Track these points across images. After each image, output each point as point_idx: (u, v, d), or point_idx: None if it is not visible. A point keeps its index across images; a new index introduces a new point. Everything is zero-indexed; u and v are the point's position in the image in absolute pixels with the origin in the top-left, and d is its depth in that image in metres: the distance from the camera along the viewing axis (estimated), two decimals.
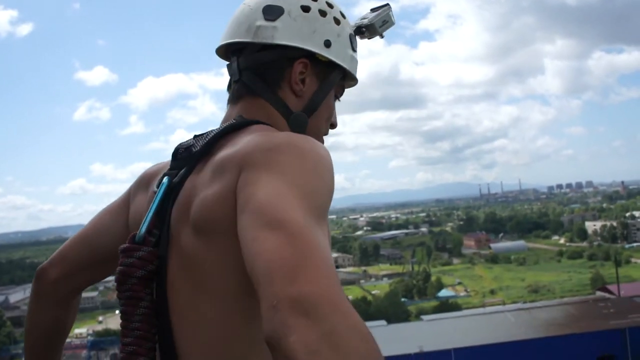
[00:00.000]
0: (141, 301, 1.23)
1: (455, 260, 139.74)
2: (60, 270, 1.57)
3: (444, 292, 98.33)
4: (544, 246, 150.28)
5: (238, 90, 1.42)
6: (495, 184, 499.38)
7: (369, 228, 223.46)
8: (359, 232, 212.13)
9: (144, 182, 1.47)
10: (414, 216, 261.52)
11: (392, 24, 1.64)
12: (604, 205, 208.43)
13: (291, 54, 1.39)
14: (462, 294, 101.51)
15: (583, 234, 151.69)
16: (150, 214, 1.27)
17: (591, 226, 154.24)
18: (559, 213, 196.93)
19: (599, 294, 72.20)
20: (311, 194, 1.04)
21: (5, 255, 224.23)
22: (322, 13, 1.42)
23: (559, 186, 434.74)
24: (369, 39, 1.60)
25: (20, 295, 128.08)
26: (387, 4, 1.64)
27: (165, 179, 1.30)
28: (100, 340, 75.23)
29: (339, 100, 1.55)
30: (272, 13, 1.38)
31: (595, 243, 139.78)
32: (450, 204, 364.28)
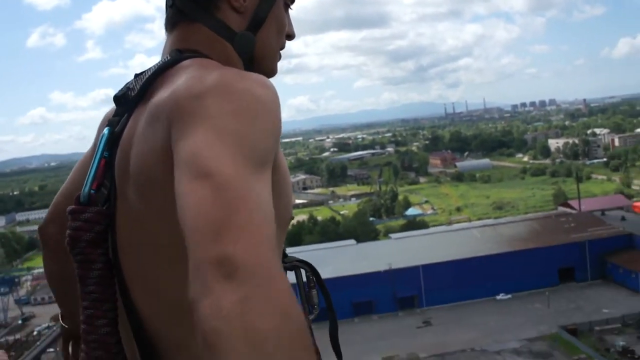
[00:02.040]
0: (93, 263, 1.16)
1: (422, 179, 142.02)
2: (56, 226, 1.50)
3: (411, 211, 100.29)
4: (508, 164, 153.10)
5: (172, 17, 1.27)
6: (460, 103, 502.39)
7: (335, 149, 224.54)
8: (326, 154, 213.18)
9: (100, 129, 1.32)
10: (380, 136, 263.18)
11: None
12: (567, 123, 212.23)
13: None
14: (429, 212, 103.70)
15: (546, 152, 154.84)
16: (93, 170, 1.18)
17: (554, 144, 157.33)
18: (523, 131, 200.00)
19: (560, 209, 74.49)
20: (245, 139, 0.93)
21: None
22: None
23: (523, 105, 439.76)
24: None
25: None
26: None
27: (105, 130, 1.21)
28: None
29: (291, 8, 1.35)
30: None
31: (558, 160, 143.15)
32: (415, 124, 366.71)
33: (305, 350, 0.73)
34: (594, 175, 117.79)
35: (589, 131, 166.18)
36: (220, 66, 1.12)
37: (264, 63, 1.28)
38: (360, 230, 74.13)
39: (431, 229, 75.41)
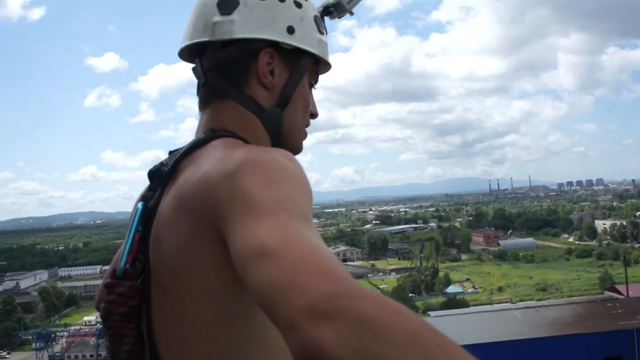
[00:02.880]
0: (125, 337, 1.19)
1: (464, 256, 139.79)
2: (97, 301, 1.48)
3: (451, 288, 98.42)
4: (552, 244, 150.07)
5: (206, 95, 1.35)
6: (505, 179, 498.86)
7: (377, 222, 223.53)
8: (368, 226, 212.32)
9: (136, 204, 1.34)
10: (423, 211, 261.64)
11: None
12: (614, 204, 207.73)
13: (254, 47, 1.30)
14: (470, 290, 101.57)
15: (592, 233, 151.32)
16: (128, 245, 1.23)
17: (601, 225, 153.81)
18: (569, 211, 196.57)
19: (607, 293, 72.13)
20: (283, 203, 1.00)
21: (16, 240, 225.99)
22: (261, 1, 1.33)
23: (569, 183, 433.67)
24: (339, 18, 1.54)
25: (30, 281, 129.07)
26: None
27: (140, 205, 1.26)
28: None
29: (315, 87, 1.45)
30: (227, 7, 1.31)
31: (605, 242, 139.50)
32: (459, 199, 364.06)
33: (436, 333, 0.78)
34: None
35: (637, 213, 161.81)
36: (244, 144, 1.20)
37: (290, 139, 1.35)
38: None
39: (471, 308, 73.74)
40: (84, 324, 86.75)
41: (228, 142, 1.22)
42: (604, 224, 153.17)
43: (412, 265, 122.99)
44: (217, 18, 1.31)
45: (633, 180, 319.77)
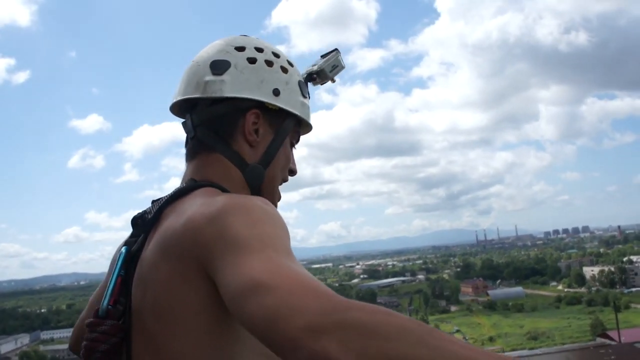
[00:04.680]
0: None
1: (453, 308, 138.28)
2: (73, 342, 1.64)
3: None
4: (542, 292, 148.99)
5: (193, 147, 1.44)
6: (491, 230, 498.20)
7: (365, 276, 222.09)
8: (356, 280, 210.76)
9: (118, 250, 1.43)
10: (410, 263, 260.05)
11: (342, 68, 1.67)
12: (601, 250, 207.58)
13: (242, 105, 1.41)
14: None
15: (581, 280, 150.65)
16: (111, 287, 1.28)
17: (589, 271, 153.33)
18: (556, 259, 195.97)
19: (599, 340, 71.07)
20: (267, 240, 1.08)
21: None
22: (269, 63, 1.45)
23: (556, 232, 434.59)
24: (321, 84, 1.63)
25: (11, 345, 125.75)
26: (336, 49, 1.68)
27: (123, 249, 1.33)
28: None
29: (295, 147, 1.56)
30: (219, 67, 1.41)
31: (594, 288, 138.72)
32: (447, 251, 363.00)
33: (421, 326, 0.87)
34: (632, 305, 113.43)
35: (625, 259, 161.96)
36: (223, 193, 1.30)
37: (268, 193, 1.44)
38: None
39: None
40: None
41: (209, 191, 1.31)
42: (592, 271, 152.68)
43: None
44: (209, 77, 1.41)
45: (619, 227, 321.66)
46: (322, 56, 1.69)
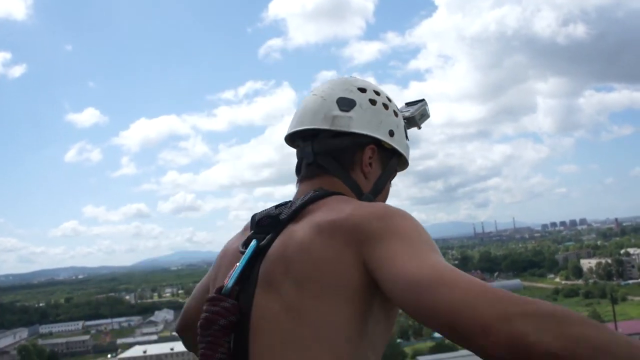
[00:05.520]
0: (220, 347, 1.35)
1: None
2: (182, 325, 1.79)
3: None
4: (539, 285, 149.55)
5: (312, 170, 1.62)
6: (489, 222, 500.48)
7: None
8: None
9: (226, 253, 1.61)
10: None
11: (429, 117, 1.90)
12: (599, 242, 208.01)
13: (362, 140, 1.60)
14: None
15: (578, 272, 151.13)
16: (239, 270, 1.41)
17: (586, 264, 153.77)
18: (554, 251, 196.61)
19: None
20: (428, 242, 1.27)
21: None
22: (385, 106, 1.65)
23: (553, 224, 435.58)
24: (407, 129, 1.78)
25: (9, 339, 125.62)
26: (424, 100, 1.89)
27: (253, 242, 1.46)
28: None
29: (391, 185, 1.76)
30: (346, 105, 1.61)
31: (591, 281, 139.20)
32: (444, 244, 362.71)
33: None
34: (629, 297, 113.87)
35: (622, 251, 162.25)
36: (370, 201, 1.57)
37: None
38: (388, 352, 71.18)
39: (460, 351, 72.60)
40: None
41: (352, 199, 1.51)
42: (590, 263, 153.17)
43: (399, 312, 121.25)
44: (337, 112, 1.59)
45: (616, 219, 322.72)
46: (408, 104, 1.88)
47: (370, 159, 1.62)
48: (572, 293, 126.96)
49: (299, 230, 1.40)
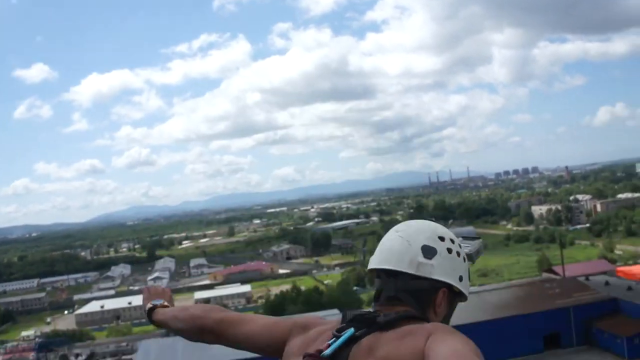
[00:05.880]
0: None
1: None
2: (211, 328, 2.24)
3: None
4: (492, 231, 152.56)
5: (392, 301, 1.93)
6: (444, 172, 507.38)
7: (320, 219, 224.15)
8: (310, 223, 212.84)
9: (307, 326, 2.01)
10: (364, 206, 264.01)
11: (482, 254, 2.23)
12: (549, 190, 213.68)
13: (438, 285, 1.91)
14: None
15: (529, 218, 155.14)
16: (338, 344, 1.76)
17: (537, 210, 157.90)
18: (507, 199, 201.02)
19: (545, 275, 73.69)
20: (476, 353, 1.56)
21: None
22: (457, 254, 1.97)
23: (506, 173, 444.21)
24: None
25: None
26: (480, 238, 2.17)
27: (351, 329, 1.80)
28: (49, 342, 72.85)
29: None
30: (429, 253, 1.92)
31: (541, 226, 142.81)
32: (400, 193, 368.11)
33: None
34: (577, 241, 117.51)
35: (571, 197, 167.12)
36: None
37: None
38: (344, 299, 72.64)
39: None
40: (21, 339, 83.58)
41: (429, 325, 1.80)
42: (540, 210, 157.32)
43: (356, 260, 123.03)
44: (421, 259, 1.91)
45: (566, 167, 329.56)
46: (465, 238, 2.18)
47: (441, 300, 1.93)
48: (523, 239, 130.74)
49: (389, 334, 1.76)
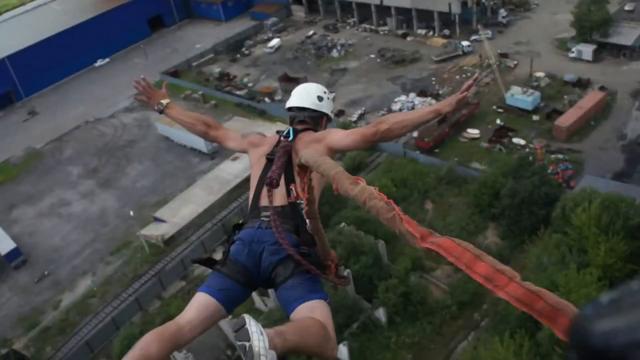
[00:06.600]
0: (280, 159, 3.86)
1: None
2: (206, 127, 4.53)
3: None
4: None
5: (301, 122, 4.34)
6: None
7: None
8: None
9: (258, 144, 4.26)
10: None
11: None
12: None
13: (323, 114, 4.45)
14: None
15: None
16: (291, 134, 4.14)
17: None
18: None
19: None
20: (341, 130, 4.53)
21: None
22: (328, 99, 4.52)
23: None
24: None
25: None
26: (333, 92, 3.80)
27: (291, 129, 4.21)
28: None
29: None
30: (320, 99, 4.44)
31: None
32: None
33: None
34: None
35: None
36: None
37: None
38: None
39: (4, 15, 68.41)
40: None
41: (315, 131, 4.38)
42: None
43: None
44: (317, 102, 4.42)
45: None
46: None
47: (324, 122, 4.42)
48: None
49: (304, 135, 4.11)
